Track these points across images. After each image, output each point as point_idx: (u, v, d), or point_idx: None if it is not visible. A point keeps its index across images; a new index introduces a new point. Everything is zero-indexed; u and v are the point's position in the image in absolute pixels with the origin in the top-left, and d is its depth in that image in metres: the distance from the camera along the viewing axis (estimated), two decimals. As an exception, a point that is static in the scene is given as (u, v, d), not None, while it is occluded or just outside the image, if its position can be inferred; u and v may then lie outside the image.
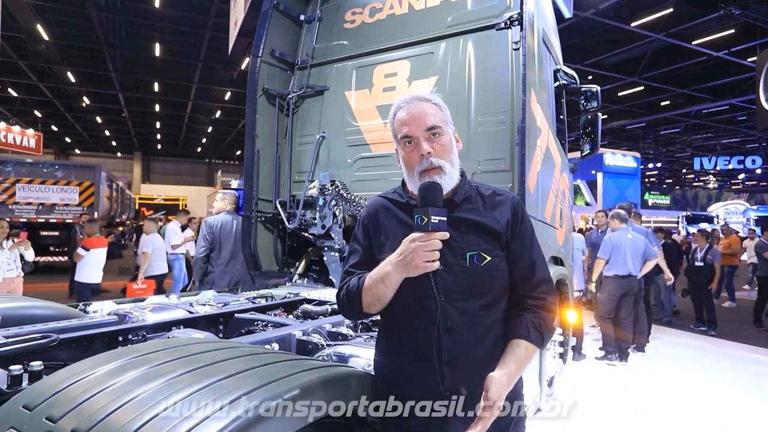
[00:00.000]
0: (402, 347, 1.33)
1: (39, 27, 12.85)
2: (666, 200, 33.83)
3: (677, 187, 40.50)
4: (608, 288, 5.69)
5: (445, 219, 1.18)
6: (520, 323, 1.30)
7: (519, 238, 1.35)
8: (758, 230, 13.25)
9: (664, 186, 41.52)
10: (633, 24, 11.83)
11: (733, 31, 12.23)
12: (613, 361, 5.65)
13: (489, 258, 1.29)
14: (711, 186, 41.21)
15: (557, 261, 3.67)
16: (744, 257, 11.23)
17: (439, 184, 1.25)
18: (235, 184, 25.49)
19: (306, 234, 3.80)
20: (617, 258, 5.58)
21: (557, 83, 3.71)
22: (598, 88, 3.68)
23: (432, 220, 1.16)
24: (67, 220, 12.55)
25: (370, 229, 1.42)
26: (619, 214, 5.83)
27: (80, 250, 6.56)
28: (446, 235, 1.18)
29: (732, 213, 32.41)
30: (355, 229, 1.48)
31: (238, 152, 31.08)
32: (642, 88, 16.80)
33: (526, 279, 1.33)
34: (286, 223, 3.79)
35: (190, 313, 2.54)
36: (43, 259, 12.43)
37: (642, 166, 20.10)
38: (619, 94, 17.61)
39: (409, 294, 1.29)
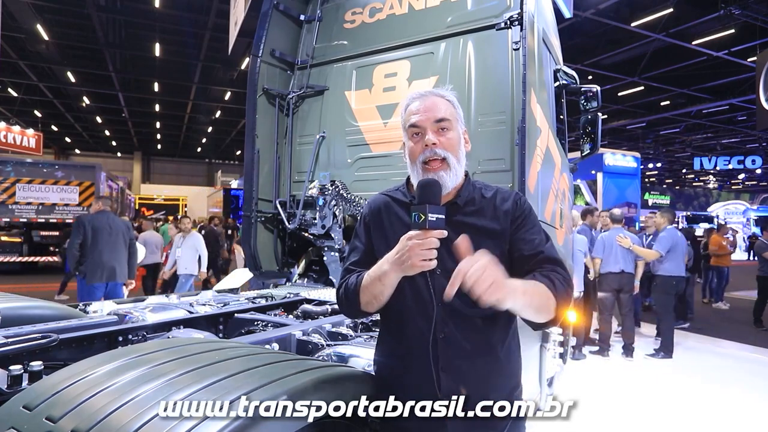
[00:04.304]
0: (400, 350, 1.32)
1: (39, 27, 12.85)
2: (666, 200, 33.81)
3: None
4: (604, 285, 6.02)
5: (443, 217, 1.16)
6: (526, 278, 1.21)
7: (522, 226, 1.31)
8: (758, 230, 13.35)
9: (664, 186, 41.49)
10: (633, 24, 11.82)
11: (733, 31, 12.22)
12: (606, 356, 5.93)
13: None
14: (711, 186, 41.19)
15: (557, 261, 3.66)
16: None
17: (438, 181, 1.22)
18: (235, 184, 25.51)
19: (306, 234, 3.80)
20: (609, 256, 5.93)
21: (557, 83, 3.70)
22: (598, 88, 3.67)
23: (429, 218, 1.13)
24: (67, 220, 12.55)
25: (371, 227, 1.41)
26: (613, 214, 6.30)
27: None
28: (444, 233, 1.15)
29: (732, 213, 32.40)
30: (357, 225, 1.47)
31: (238, 152, 31.06)
32: (642, 88, 16.79)
33: (534, 257, 1.27)
34: (286, 223, 3.79)
35: (190, 313, 2.55)
36: (42, 259, 12.44)
37: (642, 166, 20.04)
38: (619, 94, 17.59)
39: (406, 297, 1.28)
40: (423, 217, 1.13)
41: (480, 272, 1.02)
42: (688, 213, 30.06)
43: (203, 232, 9.26)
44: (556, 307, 1.19)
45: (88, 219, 5.24)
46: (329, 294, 3.15)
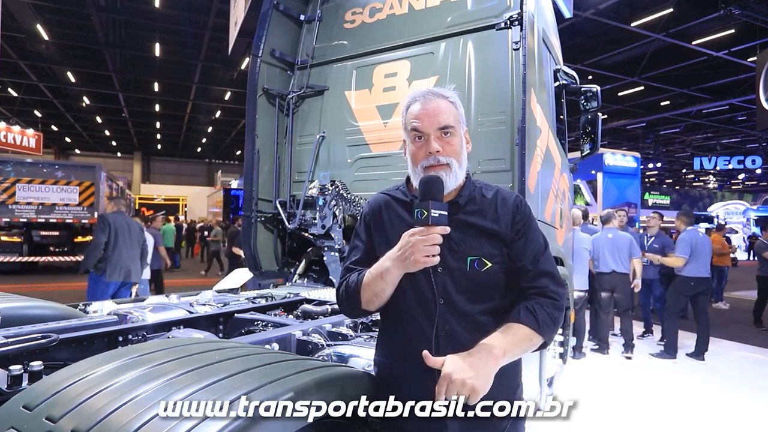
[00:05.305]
0: (401, 348, 1.32)
1: (39, 27, 12.86)
2: (666, 200, 33.80)
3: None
4: (598, 285, 6.11)
5: (446, 213, 1.17)
6: (514, 310, 1.25)
7: (522, 235, 1.31)
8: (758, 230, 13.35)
9: (665, 186, 41.50)
10: (633, 24, 11.82)
11: (733, 31, 12.23)
12: (606, 354, 6.00)
13: (489, 264, 1.27)
14: (711, 186, 41.19)
15: (557, 261, 3.67)
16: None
17: (441, 178, 1.23)
18: (235, 184, 25.52)
19: (306, 234, 3.80)
20: (598, 257, 6.02)
21: (557, 83, 3.70)
22: (598, 88, 3.67)
23: (432, 214, 1.14)
24: (67, 220, 12.57)
25: (371, 226, 1.40)
26: (600, 216, 6.47)
27: None
28: (447, 229, 1.16)
29: (732, 213, 32.40)
30: (357, 225, 1.47)
31: (238, 152, 31.06)
32: (642, 88, 16.80)
33: (528, 272, 1.29)
34: (286, 223, 3.79)
35: (190, 313, 2.55)
36: (43, 259, 12.45)
37: (642, 166, 20.07)
38: (619, 94, 17.60)
39: (408, 295, 1.28)
40: (426, 213, 1.14)
41: (454, 388, 1.09)
42: (688, 213, 30.00)
43: (224, 232, 9.32)
44: (544, 339, 1.25)
45: (111, 217, 5.37)
46: (329, 294, 3.15)
